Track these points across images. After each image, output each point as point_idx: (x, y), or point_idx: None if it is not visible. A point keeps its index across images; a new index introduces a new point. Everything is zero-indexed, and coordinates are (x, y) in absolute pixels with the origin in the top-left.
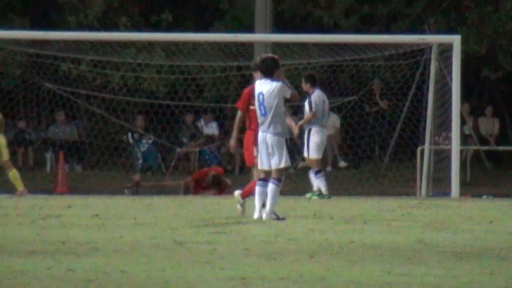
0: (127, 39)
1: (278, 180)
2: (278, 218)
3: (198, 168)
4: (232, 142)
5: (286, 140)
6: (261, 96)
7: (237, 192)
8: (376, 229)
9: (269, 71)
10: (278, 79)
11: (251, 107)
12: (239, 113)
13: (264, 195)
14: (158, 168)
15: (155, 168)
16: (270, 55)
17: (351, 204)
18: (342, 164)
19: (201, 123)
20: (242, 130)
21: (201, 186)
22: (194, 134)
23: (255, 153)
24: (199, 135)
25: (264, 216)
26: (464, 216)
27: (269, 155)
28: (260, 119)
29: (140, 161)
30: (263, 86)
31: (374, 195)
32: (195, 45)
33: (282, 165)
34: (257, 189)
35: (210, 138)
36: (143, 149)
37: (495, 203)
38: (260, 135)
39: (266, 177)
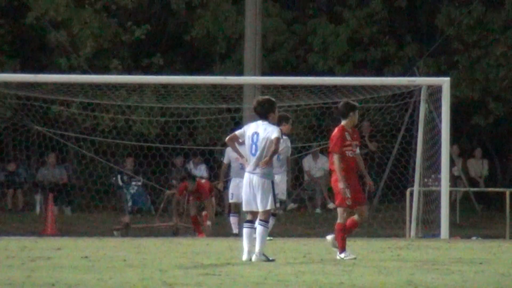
0: (118, 82)
1: (266, 221)
2: (267, 260)
3: (187, 210)
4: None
5: (272, 182)
6: (255, 136)
7: (330, 237)
8: (365, 270)
9: (264, 114)
10: (274, 124)
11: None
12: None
13: (252, 237)
14: (148, 210)
15: (145, 210)
16: (267, 97)
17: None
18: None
19: (190, 165)
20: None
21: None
22: (183, 176)
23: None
24: (189, 177)
25: (253, 257)
26: (453, 257)
27: (254, 197)
28: (248, 159)
29: (130, 203)
30: (260, 128)
31: (364, 237)
32: (189, 88)
33: (268, 207)
34: (245, 231)
35: None
36: (132, 191)
37: (484, 245)
38: (246, 176)
39: (252, 219)
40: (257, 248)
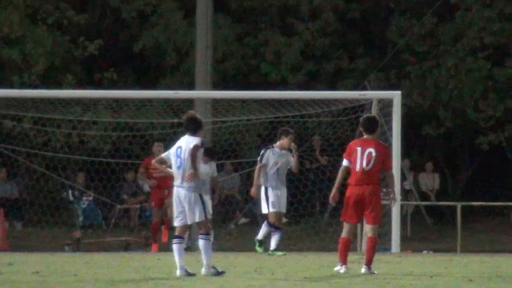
0: (69, 97)
1: (206, 234)
2: (217, 272)
3: (139, 225)
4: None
5: (200, 194)
6: (179, 150)
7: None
8: (316, 285)
9: (191, 129)
10: (197, 137)
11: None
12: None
13: (183, 252)
14: (99, 225)
15: (96, 225)
16: (194, 115)
17: (292, 260)
18: (283, 220)
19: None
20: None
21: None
22: (134, 191)
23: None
24: (140, 192)
25: (202, 271)
26: (404, 271)
27: (183, 211)
28: (175, 173)
29: (81, 218)
30: (183, 142)
31: (315, 251)
32: (141, 102)
33: (198, 219)
34: (174, 247)
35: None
36: (83, 206)
37: (435, 258)
38: (174, 190)
39: (181, 234)
40: (204, 261)
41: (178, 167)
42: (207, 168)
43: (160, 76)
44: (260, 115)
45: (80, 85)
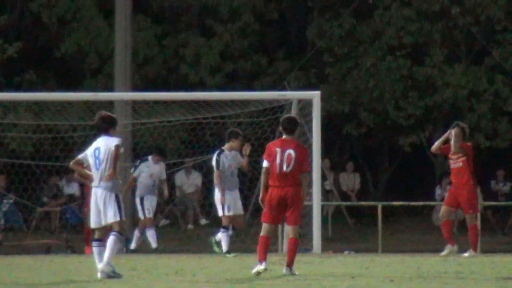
0: None
1: (119, 233)
2: (113, 273)
3: (60, 227)
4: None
5: (116, 195)
6: (97, 151)
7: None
8: (238, 286)
9: (103, 128)
10: (115, 137)
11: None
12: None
13: (102, 254)
14: (20, 227)
15: (17, 227)
16: (106, 113)
17: (213, 261)
18: (204, 221)
19: (63, 182)
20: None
21: None
22: (55, 193)
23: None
24: (60, 194)
25: (100, 266)
26: (326, 272)
27: (99, 212)
28: (94, 175)
29: (2, 221)
30: (101, 142)
31: (237, 252)
32: (61, 104)
33: (114, 219)
34: (95, 250)
35: (71, 198)
36: (4, 209)
37: (356, 259)
38: (92, 191)
39: (101, 237)
40: (105, 257)
41: (97, 168)
42: (157, 168)
43: (81, 79)
44: (180, 116)
45: (0, 87)
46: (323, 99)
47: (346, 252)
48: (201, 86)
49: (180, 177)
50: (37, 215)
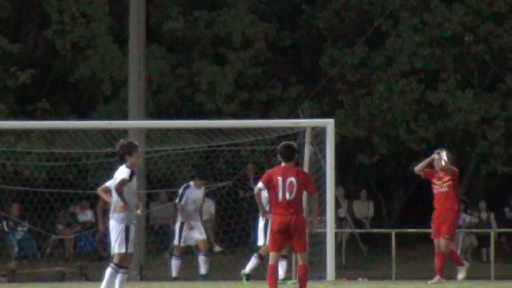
0: (3, 128)
1: (116, 265)
2: None
3: (74, 255)
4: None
5: (127, 226)
6: (113, 181)
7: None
8: None
9: (121, 157)
10: (127, 167)
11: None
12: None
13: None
14: (34, 255)
15: (31, 255)
16: (123, 141)
17: None
18: (217, 249)
19: (77, 210)
20: None
21: None
22: (69, 221)
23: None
24: (75, 222)
25: None
26: None
27: (111, 241)
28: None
29: (16, 249)
30: (118, 172)
31: (251, 280)
32: (74, 132)
33: (116, 250)
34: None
35: (85, 225)
36: (18, 237)
37: (370, 286)
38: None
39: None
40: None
41: (113, 198)
42: (199, 193)
43: (95, 106)
44: (194, 144)
45: (13, 115)
46: (337, 124)
47: (360, 279)
48: (217, 114)
49: None
50: (51, 242)
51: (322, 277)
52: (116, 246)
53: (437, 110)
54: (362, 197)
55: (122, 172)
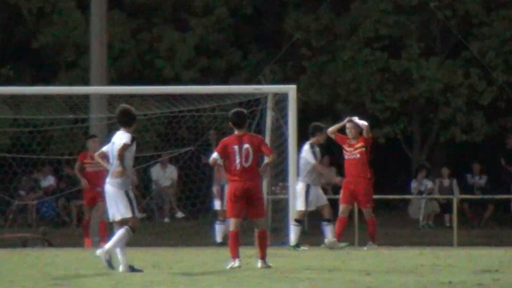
0: None
1: (131, 228)
2: (108, 264)
3: (37, 221)
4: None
5: (126, 192)
6: (112, 146)
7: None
8: (214, 279)
9: (123, 122)
10: (128, 133)
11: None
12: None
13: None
14: None
15: None
16: (127, 107)
17: (190, 255)
18: (180, 215)
19: (39, 176)
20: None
21: None
22: (32, 187)
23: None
24: (37, 188)
25: (97, 251)
26: (302, 265)
27: (111, 207)
28: (110, 169)
29: None
30: (117, 137)
31: (213, 246)
32: (37, 98)
33: (122, 216)
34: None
35: (47, 191)
36: None
37: (333, 252)
38: (106, 185)
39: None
40: (108, 244)
41: (111, 164)
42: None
43: (57, 73)
44: (156, 110)
45: None
46: (300, 90)
47: (322, 245)
48: (177, 80)
49: (156, 171)
50: (14, 208)
51: (284, 243)
52: (124, 211)
53: (401, 78)
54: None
55: (122, 137)
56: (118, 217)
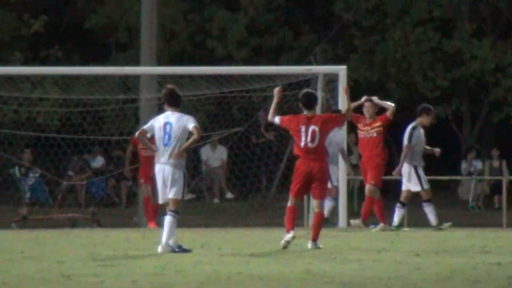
0: (15, 74)
1: (176, 212)
2: (173, 250)
3: (85, 201)
4: None
5: (184, 173)
6: (168, 126)
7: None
8: (263, 260)
9: (173, 103)
10: (188, 115)
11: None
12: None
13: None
14: (46, 201)
15: (43, 201)
16: (173, 87)
17: (239, 236)
18: (229, 195)
19: (89, 156)
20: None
21: None
22: (81, 167)
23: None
24: (86, 168)
25: (159, 249)
26: (351, 246)
27: (166, 188)
28: (160, 150)
29: (28, 195)
30: (172, 118)
31: (262, 226)
32: (87, 78)
33: (178, 197)
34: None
35: (97, 171)
36: (30, 182)
37: (382, 233)
38: (158, 167)
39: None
40: (164, 238)
41: (166, 144)
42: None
43: (108, 54)
44: (206, 90)
45: (27, 62)
46: (351, 69)
47: (372, 227)
48: (228, 60)
49: (205, 151)
50: (63, 189)
51: (334, 224)
52: (175, 192)
53: (452, 58)
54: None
55: (191, 120)
56: (170, 196)
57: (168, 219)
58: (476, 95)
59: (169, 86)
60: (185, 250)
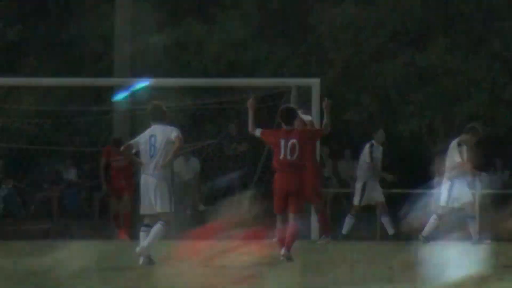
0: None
1: (166, 222)
2: (149, 261)
3: (59, 212)
4: None
5: (169, 185)
6: (153, 139)
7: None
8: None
9: (159, 118)
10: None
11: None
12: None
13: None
14: (19, 212)
15: (16, 212)
16: (159, 103)
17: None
18: (202, 207)
19: (61, 168)
20: None
21: None
22: (54, 179)
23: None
24: (59, 180)
25: (137, 249)
26: (324, 258)
27: (150, 200)
28: (146, 162)
29: (1, 206)
30: (157, 130)
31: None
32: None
33: (167, 209)
34: (142, 234)
35: (70, 183)
36: (2, 194)
37: (354, 246)
38: (143, 178)
39: (150, 223)
40: (147, 241)
41: (151, 156)
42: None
43: (83, 65)
44: (179, 102)
45: (0, 72)
46: (326, 82)
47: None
48: (204, 73)
49: (178, 163)
50: (36, 200)
51: (306, 236)
52: (162, 205)
53: (426, 72)
54: (346, 157)
55: (174, 130)
56: (158, 210)
57: (157, 227)
58: (448, 109)
59: (155, 102)
60: (153, 262)
